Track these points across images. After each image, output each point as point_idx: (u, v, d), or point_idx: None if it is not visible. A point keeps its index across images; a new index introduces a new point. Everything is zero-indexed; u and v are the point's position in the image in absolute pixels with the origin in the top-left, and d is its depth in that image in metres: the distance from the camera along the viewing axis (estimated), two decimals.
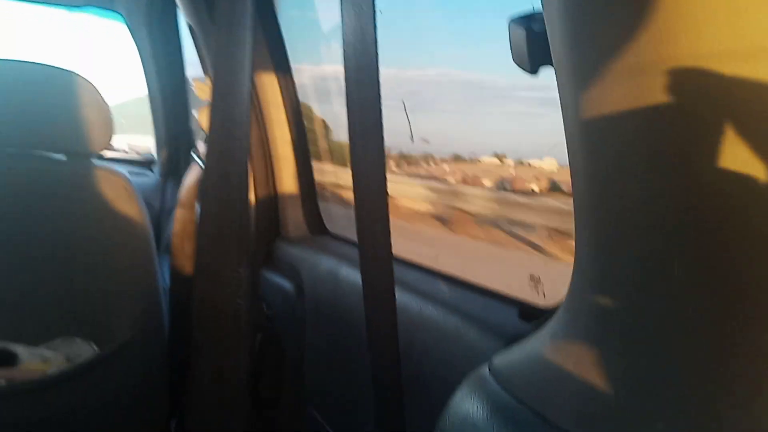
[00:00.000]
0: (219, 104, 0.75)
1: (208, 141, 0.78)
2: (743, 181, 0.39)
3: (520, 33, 0.62)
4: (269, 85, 1.65)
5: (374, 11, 0.72)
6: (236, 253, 0.78)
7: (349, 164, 0.81)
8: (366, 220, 0.81)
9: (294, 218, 1.74)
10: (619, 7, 0.42)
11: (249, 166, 1.71)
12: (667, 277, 0.45)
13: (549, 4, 0.50)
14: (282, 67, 1.66)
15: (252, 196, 1.74)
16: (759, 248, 0.41)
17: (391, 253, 0.82)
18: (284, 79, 1.66)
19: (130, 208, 1.52)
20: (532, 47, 0.60)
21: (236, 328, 0.80)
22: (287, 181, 1.73)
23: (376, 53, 0.73)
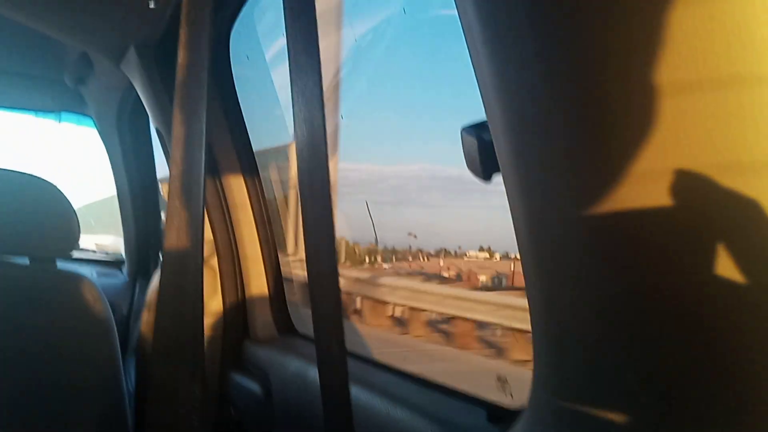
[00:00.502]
0: (174, 211, 0.75)
1: (164, 251, 0.77)
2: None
3: (472, 141, 0.63)
4: (236, 187, 1.67)
5: (322, 104, 0.74)
6: (190, 373, 0.76)
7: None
8: (321, 317, 0.80)
9: (262, 319, 1.72)
10: (557, 132, 0.44)
11: (216, 268, 1.71)
12: (620, 383, 0.45)
13: (492, 121, 0.52)
14: (249, 168, 1.68)
15: (219, 298, 1.73)
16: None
17: (345, 350, 0.81)
18: (252, 181, 1.68)
19: (95, 311, 1.50)
20: (484, 156, 0.60)
21: None
22: (255, 282, 1.72)
23: (325, 151, 0.74)
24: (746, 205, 0.37)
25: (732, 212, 0.38)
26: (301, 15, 0.74)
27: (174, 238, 0.75)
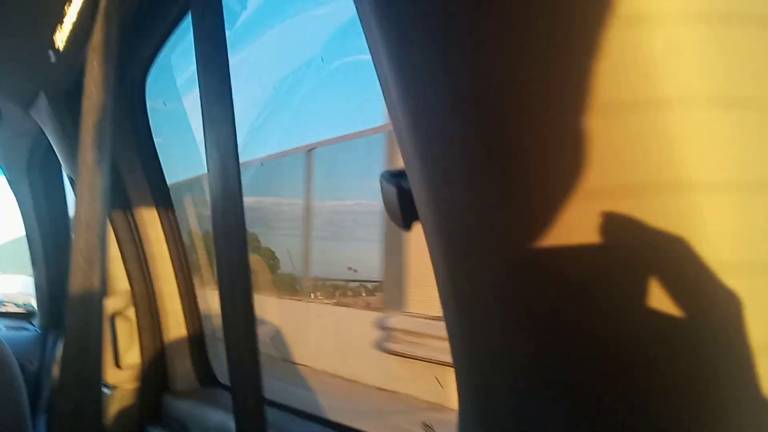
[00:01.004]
0: (77, 267, 0.72)
1: (67, 308, 0.74)
2: None
3: (391, 189, 0.62)
4: (155, 237, 1.63)
5: (236, 156, 0.73)
6: None
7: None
8: (237, 366, 0.79)
9: (182, 370, 1.66)
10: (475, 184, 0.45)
11: (133, 319, 1.66)
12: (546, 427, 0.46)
13: (410, 169, 0.52)
14: (167, 216, 1.64)
15: (137, 350, 1.67)
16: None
17: (262, 399, 0.80)
18: (170, 229, 1.64)
19: (1, 370, 1.42)
20: (403, 204, 0.59)
21: None
22: (175, 331, 1.67)
23: (241, 204, 0.73)
24: (668, 238, 0.38)
25: (657, 252, 0.39)
26: (213, 68, 0.73)
27: (78, 295, 0.72)
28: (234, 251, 0.76)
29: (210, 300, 1.76)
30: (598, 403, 0.43)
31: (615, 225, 0.39)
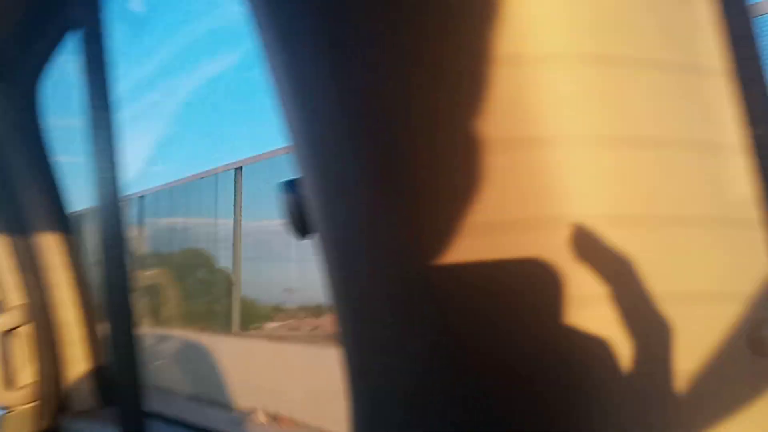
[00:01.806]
0: None
1: None
2: None
3: (289, 199, 0.61)
4: (52, 250, 1.57)
5: (118, 166, 0.72)
6: None
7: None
8: (122, 383, 0.76)
9: (82, 390, 1.60)
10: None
11: (32, 336, 1.58)
12: None
13: (305, 180, 0.52)
14: (65, 230, 1.59)
15: (35, 369, 1.59)
16: None
17: (143, 418, 0.77)
18: (69, 243, 1.58)
19: None
20: (300, 213, 0.59)
21: None
22: (74, 351, 1.60)
23: (124, 216, 0.72)
24: (542, 262, 0.39)
25: (533, 266, 0.40)
26: (97, 84, 0.72)
27: None
28: (120, 279, 0.75)
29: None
30: (484, 413, 0.42)
31: (496, 251, 0.40)
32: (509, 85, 0.38)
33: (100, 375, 1.62)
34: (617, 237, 0.39)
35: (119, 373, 0.76)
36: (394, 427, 0.48)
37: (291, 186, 0.62)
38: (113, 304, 0.74)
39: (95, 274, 1.67)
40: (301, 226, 0.60)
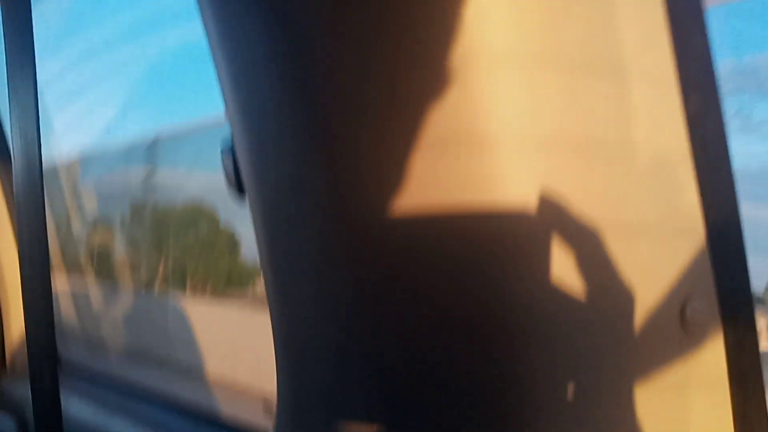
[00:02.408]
0: None
1: None
2: None
3: (228, 162, 0.61)
4: None
5: (38, 115, 0.70)
6: None
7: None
8: (33, 344, 0.76)
9: (21, 351, 1.56)
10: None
11: None
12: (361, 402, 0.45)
13: (237, 144, 0.51)
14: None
15: None
16: None
17: (57, 381, 0.77)
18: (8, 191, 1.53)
19: None
20: (238, 176, 0.59)
21: None
22: (16, 307, 1.56)
23: (40, 165, 0.71)
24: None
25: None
26: (18, 26, 0.69)
27: None
28: (35, 241, 0.73)
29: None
30: (402, 390, 0.43)
31: (426, 228, 0.40)
32: (454, 83, 0.38)
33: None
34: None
35: (33, 339, 0.75)
36: (314, 393, 0.49)
37: (231, 150, 0.62)
38: (30, 273, 0.74)
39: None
40: (238, 186, 0.61)
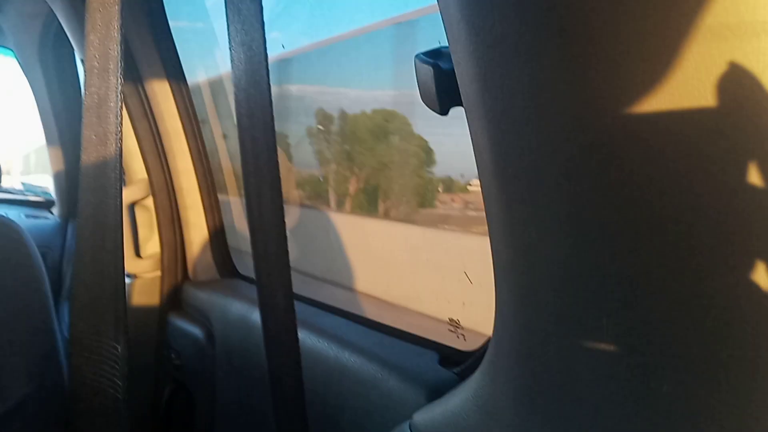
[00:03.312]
0: (90, 146, 0.67)
1: (80, 193, 0.69)
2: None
3: (427, 71, 0.56)
4: (171, 123, 1.57)
5: (262, 25, 0.67)
6: (113, 328, 0.70)
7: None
8: (263, 259, 0.75)
9: (203, 261, 1.65)
10: (533, 49, 0.38)
11: (152, 208, 1.63)
12: (595, 331, 0.41)
13: (455, 42, 0.46)
14: (184, 103, 1.58)
15: (156, 240, 1.65)
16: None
17: (291, 294, 0.76)
18: (187, 116, 1.59)
19: (21, 257, 1.40)
20: (440, 87, 0.54)
21: (114, 412, 0.72)
22: (194, 222, 1.65)
23: (267, 79, 0.67)
24: None
25: None
26: None
27: (91, 177, 0.68)
28: (260, 136, 0.71)
29: (229, 191, 1.73)
30: (662, 304, 0.38)
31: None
32: None
33: (220, 247, 1.67)
34: None
35: (262, 244, 0.74)
36: (545, 307, 0.45)
37: (428, 56, 0.57)
38: (255, 175, 0.72)
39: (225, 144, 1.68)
40: (440, 99, 0.56)
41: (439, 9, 0.48)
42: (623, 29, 0.35)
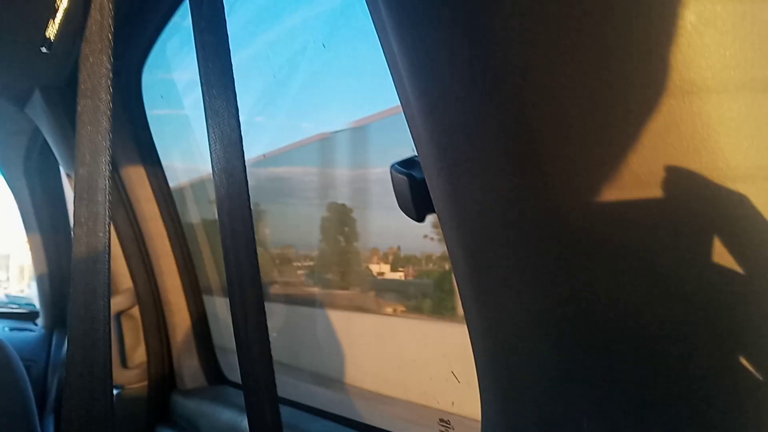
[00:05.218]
0: (79, 261, 0.69)
1: (70, 307, 0.70)
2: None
3: (402, 181, 0.59)
4: (156, 231, 1.59)
5: (241, 150, 0.70)
6: None
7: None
8: (248, 362, 0.75)
9: (190, 368, 1.64)
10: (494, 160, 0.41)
11: (138, 318, 1.63)
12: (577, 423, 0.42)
13: (425, 158, 0.49)
14: (168, 211, 1.61)
15: (143, 349, 1.64)
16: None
17: (276, 396, 0.76)
18: (172, 223, 1.61)
19: (5, 372, 1.39)
20: (416, 196, 0.57)
21: None
22: (180, 329, 1.64)
23: (248, 201, 0.70)
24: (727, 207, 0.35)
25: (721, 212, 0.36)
26: (214, 57, 0.70)
27: (81, 294, 0.69)
28: (242, 246, 0.73)
29: (216, 298, 1.73)
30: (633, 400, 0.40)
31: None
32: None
33: (207, 353, 1.66)
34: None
35: (246, 349, 0.75)
36: (528, 416, 0.46)
37: (403, 166, 0.59)
38: (237, 278, 0.73)
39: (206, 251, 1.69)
40: (416, 206, 0.58)
41: (408, 127, 0.51)
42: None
